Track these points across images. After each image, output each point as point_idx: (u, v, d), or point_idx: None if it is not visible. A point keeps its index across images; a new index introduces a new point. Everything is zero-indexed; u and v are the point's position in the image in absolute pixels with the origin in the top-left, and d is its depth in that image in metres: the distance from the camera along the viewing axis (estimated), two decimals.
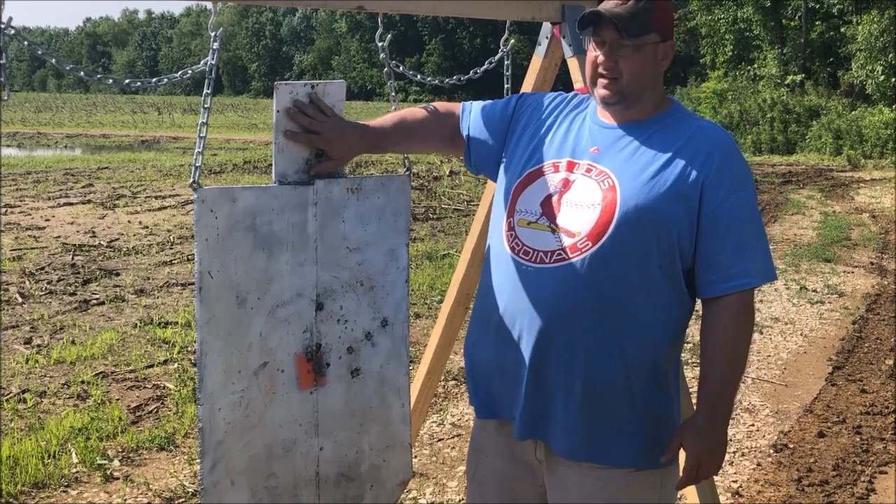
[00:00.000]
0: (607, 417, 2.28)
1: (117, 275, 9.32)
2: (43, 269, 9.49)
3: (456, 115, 2.62)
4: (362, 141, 2.53)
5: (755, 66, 33.31)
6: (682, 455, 2.32)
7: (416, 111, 2.62)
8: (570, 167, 2.34)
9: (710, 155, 2.27)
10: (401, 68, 2.92)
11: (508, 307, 2.33)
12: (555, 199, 2.31)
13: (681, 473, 2.32)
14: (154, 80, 2.45)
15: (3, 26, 2.11)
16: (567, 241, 2.25)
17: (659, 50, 2.33)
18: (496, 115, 2.57)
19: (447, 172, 19.17)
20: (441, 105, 2.64)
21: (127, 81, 2.46)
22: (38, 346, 6.83)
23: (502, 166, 2.51)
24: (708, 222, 2.24)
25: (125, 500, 4.40)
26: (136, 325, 7.43)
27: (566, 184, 2.32)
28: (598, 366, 2.25)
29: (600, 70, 2.31)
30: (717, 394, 2.28)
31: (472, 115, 2.59)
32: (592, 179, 2.29)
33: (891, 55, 25.34)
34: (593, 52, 2.34)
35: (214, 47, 2.36)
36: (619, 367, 2.25)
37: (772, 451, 5.12)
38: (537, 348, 2.28)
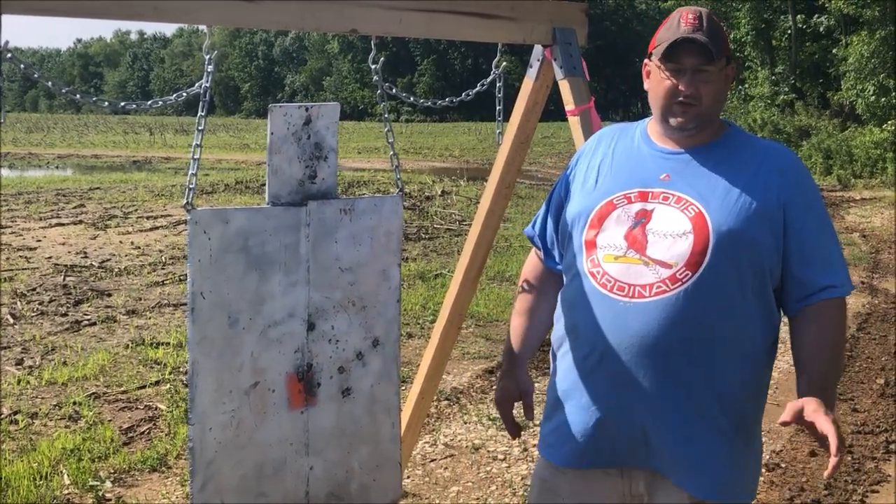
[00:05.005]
0: (722, 448, 2.26)
1: (109, 295, 9.30)
2: (34, 289, 9.46)
3: (544, 265, 2.59)
4: (526, 364, 2.58)
5: (746, 86, 33.46)
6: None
7: (526, 303, 2.60)
8: (644, 196, 2.29)
9: (785, 174, 2.28)
10: (394, 90, 2.93)
11: (609, 346, 2.25)
12: (637, 230, 2.26)
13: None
14: (150, 102, 2.46)
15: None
16: (665, 273, 2.20)
17: (728, 72, 2.34)
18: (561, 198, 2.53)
19: (439, 192, 19.18)
20: (531, 273, 2.62)
21: (122, 104, 2.48)
22: (30, 367, 6.80)
23: (565, 210, 2.46)
24: (794, 241, 2.24)
25: None
26: (128, 345, 7.41)
27: (645, 214, 2.27)
28: (708, 395, 2.23)
29: (681, 98, 2.27)
30: (821, 385, 2.18)
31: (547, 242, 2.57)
32: (673, 207, 2.25)
33: (881, 76, 25.45)
34: (668, 81, 2.28)
35: (209, 70, 2.37)
36: (724, 394, 2.24)
37: (764, 470, 5.12)
38: (653, 384, 2.22)
